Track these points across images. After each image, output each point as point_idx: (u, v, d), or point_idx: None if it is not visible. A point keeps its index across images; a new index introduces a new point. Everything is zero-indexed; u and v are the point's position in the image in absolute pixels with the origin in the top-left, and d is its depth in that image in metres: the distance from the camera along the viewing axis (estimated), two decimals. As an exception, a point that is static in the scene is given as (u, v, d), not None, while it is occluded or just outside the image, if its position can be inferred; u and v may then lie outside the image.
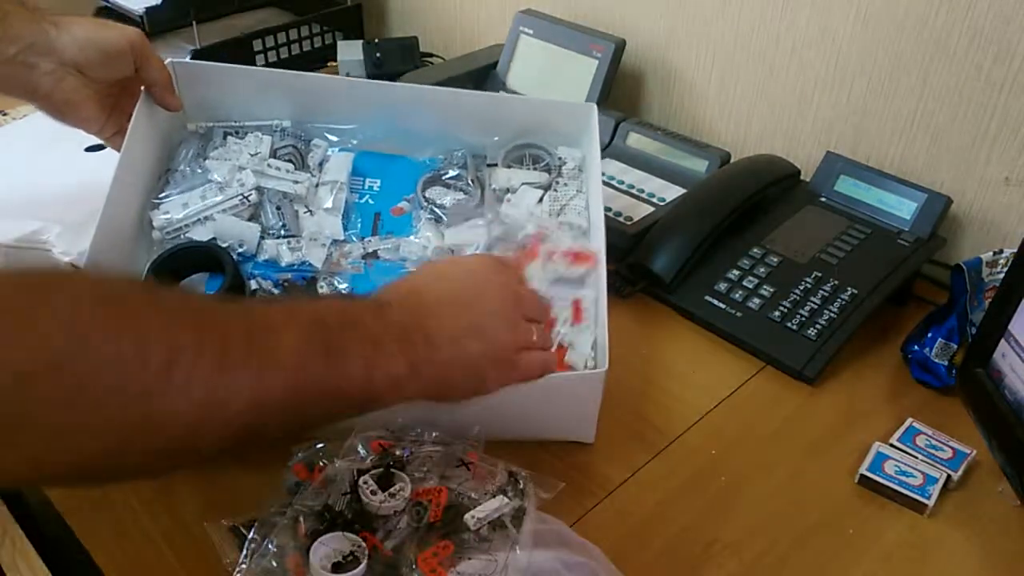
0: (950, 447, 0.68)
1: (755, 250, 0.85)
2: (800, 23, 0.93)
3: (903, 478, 0.65)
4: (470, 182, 0.80)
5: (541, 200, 0.78)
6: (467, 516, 0.54)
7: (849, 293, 0.79)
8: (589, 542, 0.55)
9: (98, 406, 0.38)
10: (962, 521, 0.64)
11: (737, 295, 0.81)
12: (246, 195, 0.75)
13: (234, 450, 0.45)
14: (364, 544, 0.52)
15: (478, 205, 0.79)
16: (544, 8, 1.13)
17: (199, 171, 0.77)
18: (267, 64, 1.23)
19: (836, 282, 0.80)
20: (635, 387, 0.74)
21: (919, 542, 0.62)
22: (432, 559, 0.52)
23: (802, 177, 0.95)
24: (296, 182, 0.77)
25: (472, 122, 0.83)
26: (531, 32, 1.09)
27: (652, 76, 1.10)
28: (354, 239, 0.77)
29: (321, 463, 0.57)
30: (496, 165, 0.82)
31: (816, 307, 0.79)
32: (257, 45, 1.22)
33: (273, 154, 0.79)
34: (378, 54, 1.19)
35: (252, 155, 0.78)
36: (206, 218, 0.74)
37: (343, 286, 0.74)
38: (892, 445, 0.68)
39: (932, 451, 0.68)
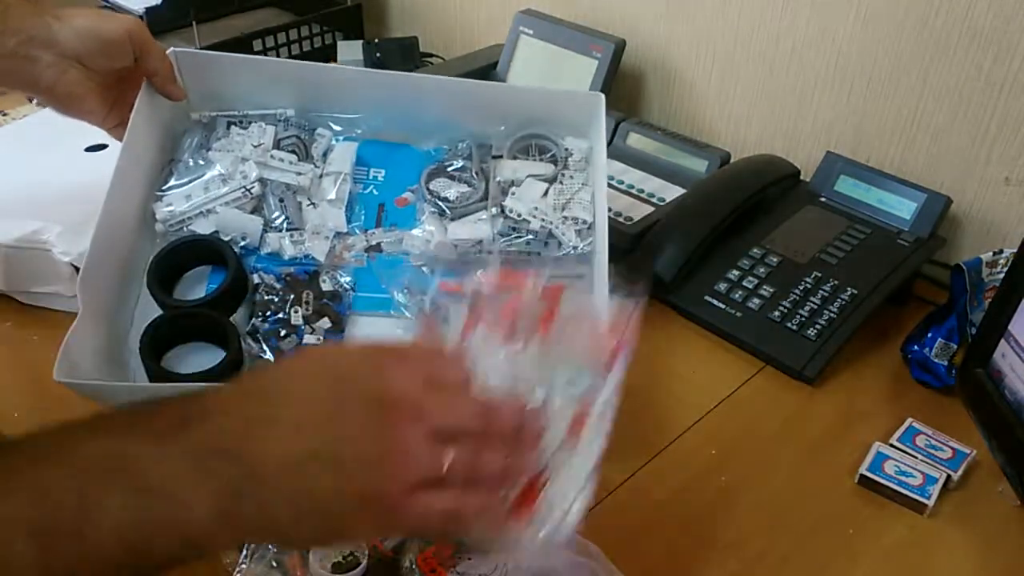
0: (950, 447, 0.68)
1: (755, 250, 0.85)
2: (800, 23, 0.93)
3: (903, 478, 0.65)
4: (475, 174, 0.79)
5: (546, 193, 0.77)
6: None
7: (849, 293, 0.79)
8: (589, 542, 0.55)
9: None
10: (962, 521, 0.64)
11: (737, 295, 0.81)
12: (249, 188, 0.75)
13: None
14: (364, 544, 0.52)
15: (482, 198, 0.78)
16: (544, 8, 1.13)
17: (202, 162, 0.77)
18: (267, 64, 1.23)
19: (836, 282, 0.80)
20: (635, 387, 0.74)
21: (919, 542, 0.62)
22: (432, 559, 0.52)
23: (802, 177, 0.95)
24: (299, 174, 0.77)
25: (478, 112, 0.82)
26: (531, 32, 1.09)
27: (652, 76, 1.10)
28: (357, 231, 0.77)
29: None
30: (502, 157, 0.81)
31: (816, 307, 0.79)
32: (257, 45, 1.22)
33: (277, 144, 0.79)
34: (378, 54, 1.18)
35: (255, 146, 0.77)
36: (209, 211, 0.74)
37: (345, 279, 0.73)
38: (892, 445, 0.69)
39: (932, 451, 0.68)
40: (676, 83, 1.08)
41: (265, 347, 0.68)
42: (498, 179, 0.78)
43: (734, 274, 0.83)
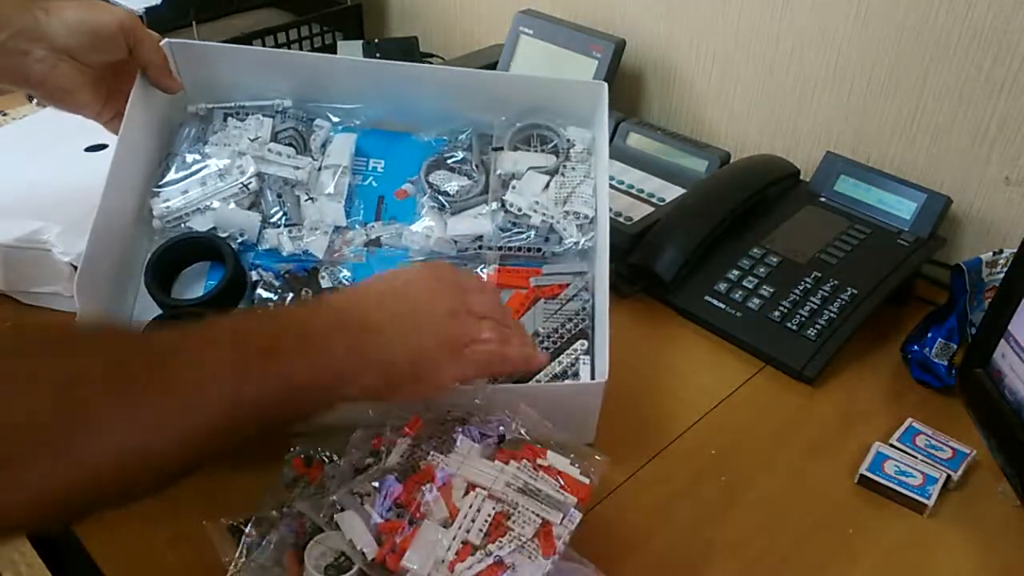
0: (950, 447, 0.68)
1: (755, 250, 0.85)
2: (800, 23, 0.93)
3: (903, 478, 0.65)
4: (475, 166, 0.79)
5: (547, 187, 0.77)
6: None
7: (849, 293, 0.79)
8: (584, 559, 0.55)
9: (10, 474, 0.37)
10: (962, 521, 0.64)
11: (737, 295, 0.81)
12: (246, 183, 0.74)
13: (175, 482, 0.44)
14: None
15: (483, 192, 0.78)
16: (544, 8, 1.13)
17: (199, 156, 0.76)
18: (267, 64, 1.23)
19: (836, 282, 0.80)
20: (635, 387, 0.74)
21: (919, 542, 0.62)
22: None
23: (802, 177, 0.95)
24: (297, 167, 0.76)
25: (478, 101, 0.81)
26: (531, 32, 1.09)
27: (652, 76, 1.10)
28: (356, 226, 0.77)
29: (320, 458, 0.57)
30: (502, 148, 0.80)
31: (816, 307, 0.78)
32: (257, 45, 1.22)
33: (274, 137, 0.78)
34: (378, 54, 1.18)
35: (252, 140, 0.77)
36: (206, 207, 0.74)
37: (345, 275, 0.73)
38: (892, 445, 0.68)
39: (932, 451, 0.68)
40: (676, 83, 1.08)
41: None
42: (498, 172, 0.78)
43: (734, 274, 0.83)
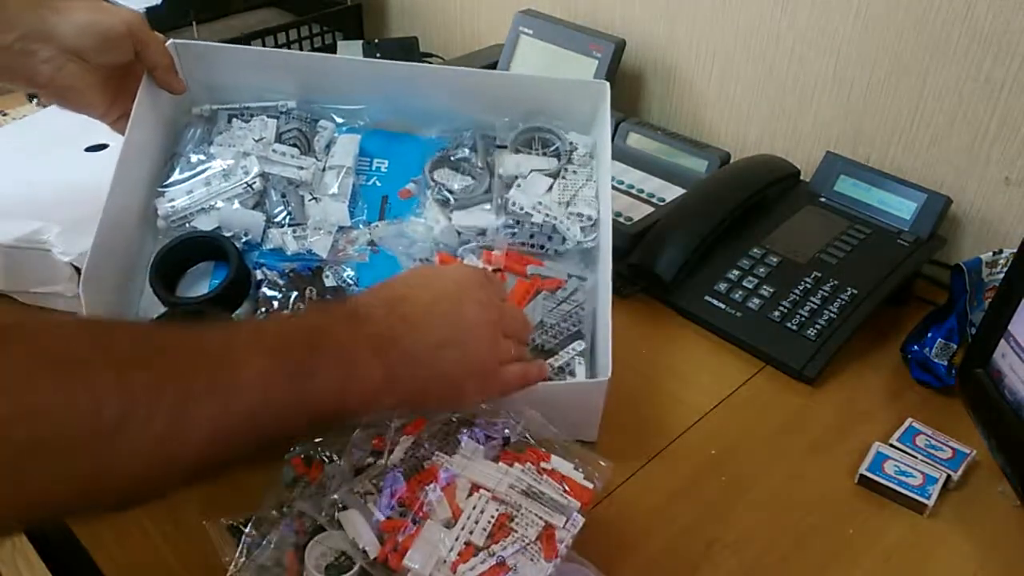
0: (950, 447, 0.68)
1: (755, 250, 0.85)
2: (800, 23, 0.93)
3: (903, 478, 0.65)
4: (479, 167, 0.79)
5: (551, 189, 0.77)
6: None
7: (849, 293, 0.79)
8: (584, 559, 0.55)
9: (49, 465, 0.38)
10: (962, 521, 0.64)
11: (737, 295, 0.81)
12: (250, 183, 0.75)
13: (200, 480, 0.44)
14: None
15: (487, 191, 0.78)
16: (544, 8, 1.13)
17: (204, 157, 0.77)
18: (267, 64, 1.23)
19: (836, 282, 0.80)
20: (635, 387, 0.74)
21: (919, 542, 0.62)
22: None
23: (802, 177, 0.95)
24: (301, 168, 0.77)
25: (482, 101, 0.81)
26: (531, 32, 1.09)
27: (652, 76, 1.10)
28: (360, 225, 0.77)
29: (320, 458, 0.57)
30: (506, 147, 0.80)
31: (816, 307, 0.79)
32: (257, 45, 1.22)
33: (278, 138, 0.79)
34: (378, 54, 1.18)
35: (257, 140, 0.77)
36: (211, 206, 0.74)
37: (348, 274, 0.74)
38: (892, 445, 0.68)
39: (932, 451, 0.68)
40: (676, 83, 1.08)
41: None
42: (500, 172, 0.78)
43: (734, 274, 0.83)
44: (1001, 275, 0.75)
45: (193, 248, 0.73)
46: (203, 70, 0.79)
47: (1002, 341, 0.64)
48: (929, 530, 0.63)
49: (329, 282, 0.72)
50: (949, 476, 0.65)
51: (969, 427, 0.68)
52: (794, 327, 0.77)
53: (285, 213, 0.75)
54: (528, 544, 0.51)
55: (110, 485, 0.41)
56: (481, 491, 0.53)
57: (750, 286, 0.81)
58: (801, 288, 0.80)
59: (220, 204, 0.74)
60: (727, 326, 0.80)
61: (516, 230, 0.75)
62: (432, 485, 0.53)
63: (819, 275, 0.81)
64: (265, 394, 0.45)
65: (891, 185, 0.88)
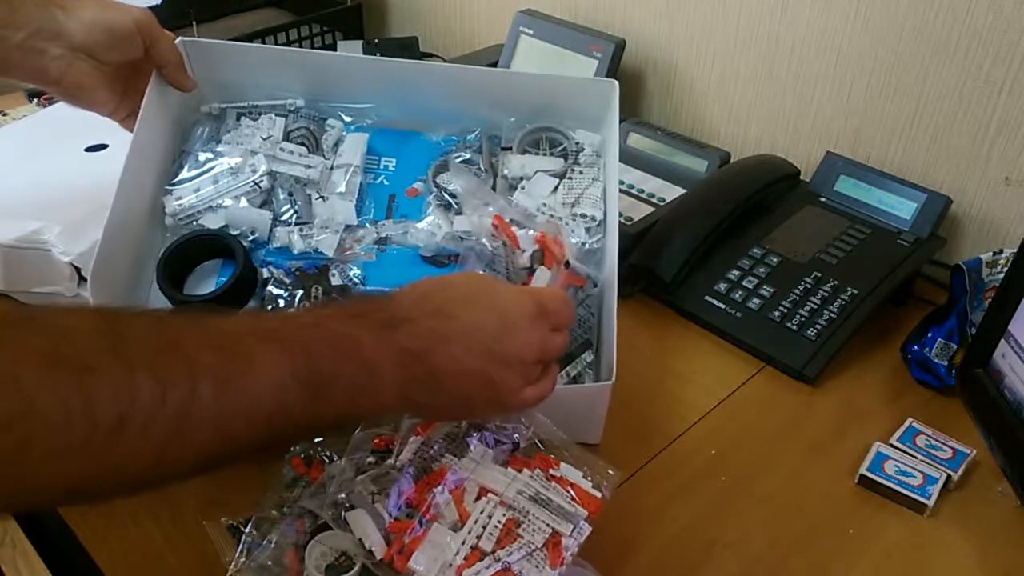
0: (950, 447, 0.68)
1: (755, 250, 0.85)
2: (800, 23, 0.93)
3: (903, 478, 0.65)
4: (482, 168, 0.79)
5: (556, 190, 0.77)
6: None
7: (849, 293, 0.79)
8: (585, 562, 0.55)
9: (44, 465, 0.37)
10: (962, 521, 0.64)
11: (737, 295, 0.81)
12: (258, 181, 0.75)
13: (200, 475, 0.44)
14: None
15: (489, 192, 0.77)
16: (544, 8, 1.13)
17: (212, 155, 0.77)
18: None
19: (836, 282, 0.80)
20: (635, 387, 0.74)
21: (919, 542, 0.62)
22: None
23: (802, 177, 0.95)
24: (309, 166, 0.77)
25: (490, 100, 0.81)
26: (531, 32, 1.09)
27: (652, 76, 1.10)
28: (367, 224, 0.77)
29: (320, 458, 0.57)
30: (511, 149, 0.80)
31: (816, 307, 0.79)
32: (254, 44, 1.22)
33: (286, 136, 0.79)
34: (378, 54, 1.18)
35: (265, 139, 0.77)
36: (218, 204, 0.74)
37: (354, 273, 0.74)
38: (892, 445, 0.68)
39: (932, 451, 0.68)
40: (676, 83, 1.08)
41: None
42: (505, 173, 0.78)
43: (734, 274, 0.83)
44: (1001, 275, 0.75)
45: (200, 246, 0.73)
46: (212, 68, 0.79)
47: (1002, 341, 0.64)
48: (929, 530, 0.63)
49: (335, 281, 0.72)
50: (949, 476, 0.65)
51: (969, 427, 0.68)
52: (794, 327, 0.77)
53: (292, 212, 0.76)
54: (534, 551, 0.51)
55: (100, 487, 0.40)
56: (489, 495, 0.53)
57: (750, 286, 0.81)
58: (801, 288, 0.80)
59: (227, 202, 0.74)
60: (727, 326, 0.80)
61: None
62: (440, 487, 0.53)
63: (819, 275, 0.81)
64: (278, 404, 0.44)
65: (891, 185, 0.88)
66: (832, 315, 0.78)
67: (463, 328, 0.50)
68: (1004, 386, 0.64)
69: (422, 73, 0.82)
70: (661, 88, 1.09)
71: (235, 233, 0.73)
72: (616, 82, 0.78)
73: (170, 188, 0.75)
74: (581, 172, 0.78)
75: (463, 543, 0.50)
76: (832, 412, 0.73)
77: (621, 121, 1.00)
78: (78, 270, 0.76)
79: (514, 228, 0.71)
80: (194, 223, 0.74)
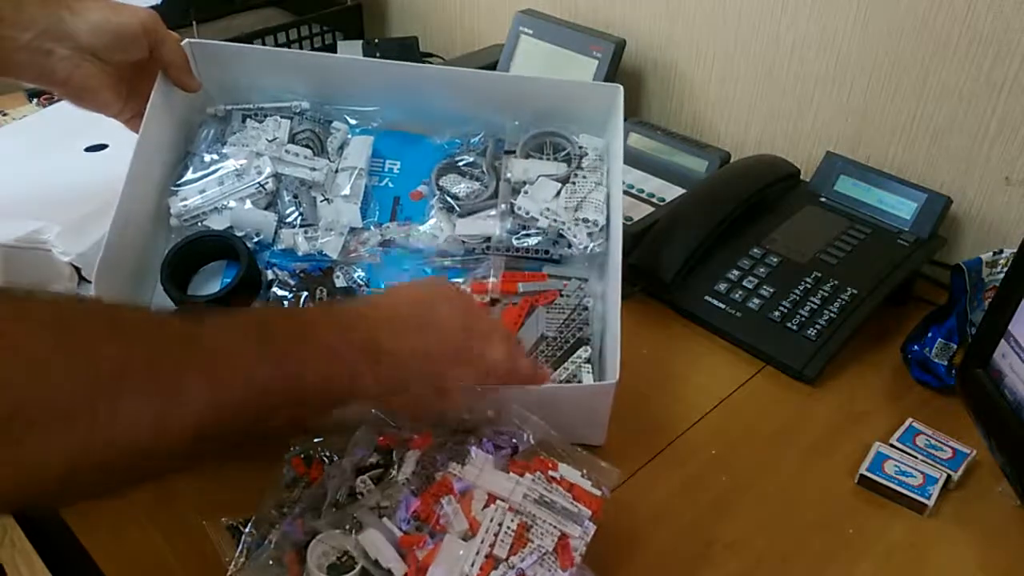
0: (950, 447, 0.68)
1: (755, 250, 0.85)
2: (800, 23, 0.93)
3: (903, 478, 0.65)
4: (486, 171, 0.79)
5: (559, 194, 0.77)
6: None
7: (849, 293, 0.79)
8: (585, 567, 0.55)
9: (41, 434, 0.38)
10: (962, 521, 0.64)
11: (737, 295, 0.81)
12: (263, 183, 0.75)
13: (193, 458, 0.46)
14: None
15: (492, 196, 0.78)
16: (544, 8, 1.13)
17: (217, 156, 0.77)
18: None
19: (836, 282, 0.80)
20: (635, 387, 0.74)
21: (919, 542, 0.62)
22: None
23: (802, 177, 0.95)
24: (314, 169, 0.77)
25: (495, 103, 0.81)
26: (531, 32, 1.09)
27: (652, 76, 1.10)
28: (371, 226, 0.77)
29: (320, 458, 0.57)
30: (515, 152, 0.80)
31: (816, 307, 0.79)
32: (257, 45, 1.22)
33: (292, 139, 0.79)
34: (378, 54, 1.18)
35: (270, 141, 0.77)
36: (223, 206, 0.74)
37: (359, 275, 0.74)
38: (892, 445, 0.68)
39: (932, 451, 0.68)
40: (676, 83, 1.08)
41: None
42: (508, 176, 0.78)
43: (734, 274, 0.83)
44: (1001, 275, 0.75)
45: (205, 247, 0.73)
46: (217, 70, 0.80)
47: (1002, 341, 0.64)
48: (929, 530, 0.63)
49: (340, 283, 0.73)
50: (949, 476, 0.65)
51: (969, 427, 0.68)
52: (794, 327, 0.77)
53: (297, 214, 0.76)
54: (546, 554, 0.51)
55: (101, 459, 0.41)
56: (498, 502, 0.53)
57: (750, 286, 0.81)
58: (801, 288, 0.80)
59: (232, 204, 0.75)
60: (727, 326, 0.80)
61: (520, 236, 0.75)
62: (448, 497, 0.52)
63: (819, 275, 0.81)
64: (253, 380, 0.46)
65: (891, 185, 0.88)
66: (832, 315, 0.78)
67: (391, 304, 0.58)
68: (1004, 386, 0.64)
69: (427, 76, 0.82)
70: (661, 88, 1.09)
71: (240, 235, 0.74)
72: (620, 87, 0.78)
73: (175, 189, 0.76)
74: (584, 177, 0.78)
75: (477, 552, 0.50)
76: (832, 412, 0.73)
77: (621, 121, 1.01)
78: (78, 270, 0.76)
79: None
80: (199, 224, 0.75)
